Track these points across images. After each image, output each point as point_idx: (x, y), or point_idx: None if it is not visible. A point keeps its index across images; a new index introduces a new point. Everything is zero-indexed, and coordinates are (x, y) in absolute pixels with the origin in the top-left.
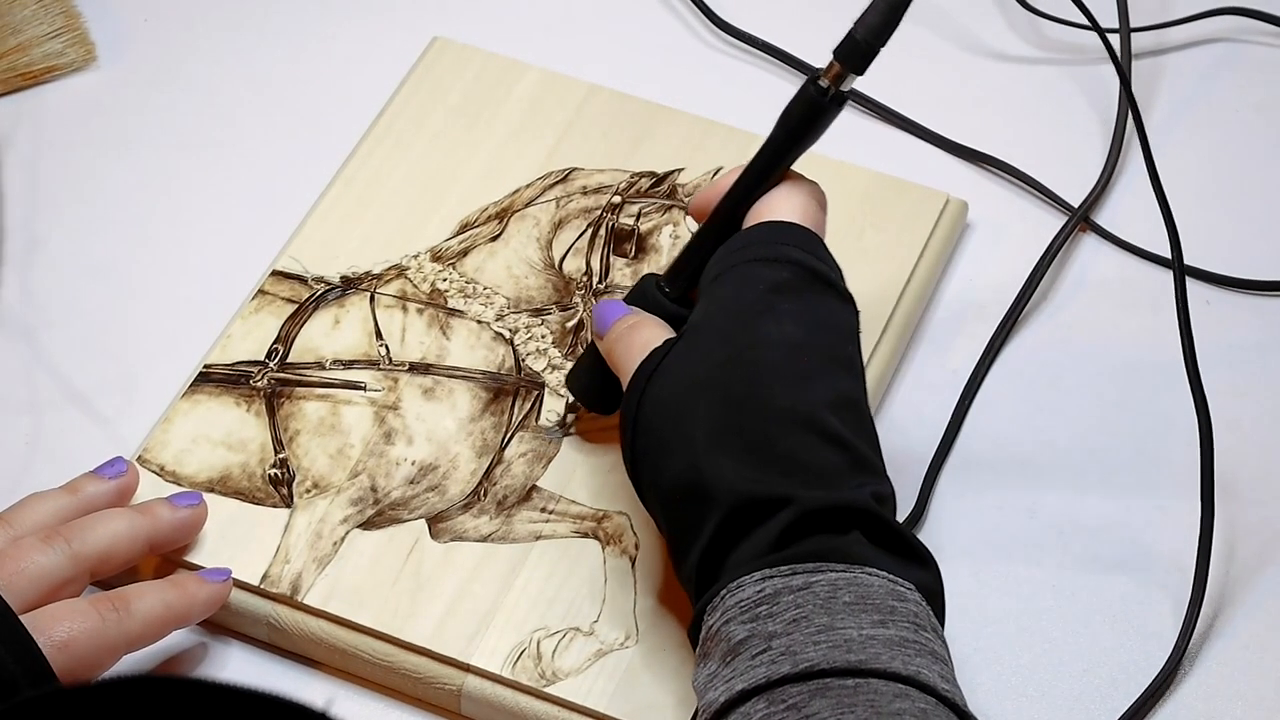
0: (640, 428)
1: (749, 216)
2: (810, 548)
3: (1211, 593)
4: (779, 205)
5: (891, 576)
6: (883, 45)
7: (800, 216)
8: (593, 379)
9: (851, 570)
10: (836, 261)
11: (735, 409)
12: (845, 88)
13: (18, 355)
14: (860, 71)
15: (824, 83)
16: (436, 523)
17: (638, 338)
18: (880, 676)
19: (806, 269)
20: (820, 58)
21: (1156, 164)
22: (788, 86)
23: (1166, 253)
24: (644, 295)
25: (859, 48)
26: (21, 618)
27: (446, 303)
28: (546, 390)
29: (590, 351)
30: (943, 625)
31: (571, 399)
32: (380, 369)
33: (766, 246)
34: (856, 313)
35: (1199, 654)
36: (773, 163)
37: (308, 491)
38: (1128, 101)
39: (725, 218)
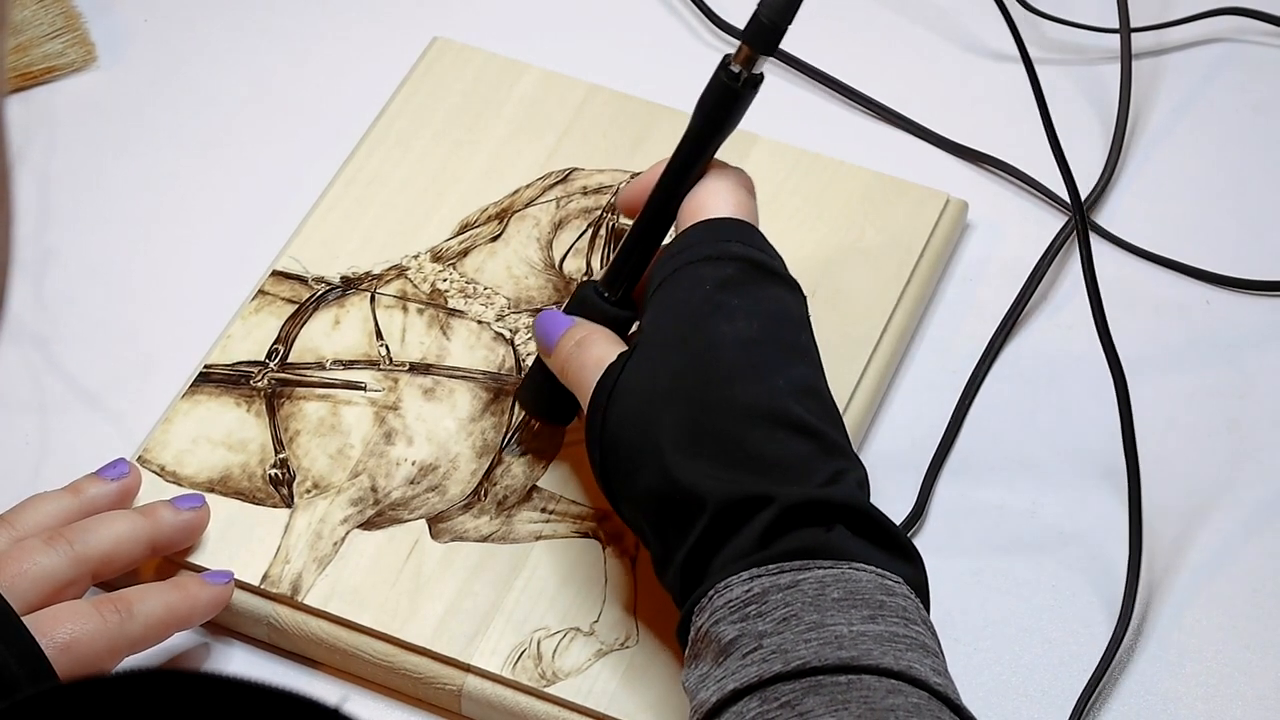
0: (607, 446)
1: (680, 215)
2: (795, 545)
3: (1209, 590)
4: (710, 200)
5: (879, 570)
6: (788, 24)
7: (733, 209)
8: (543, 392)
9: (839, 566)
10: (776, 250)
11: (700, 413)
12: (757, 70)
13: (17, 355)
14: (769, 52)
15: (735, 67)
16: (437, 523)
17: (589, 354)
18: (872, 672)
19: (750, 262)
20: (819, 57)
21: (1156, 165)
22: (788, 86)
23: (1167, 253)
24: (584, 303)
25: (765, 28)
26: (24, 619)
27: (447, 303)
28: None
29: (538, 364)
30: (928, 613)
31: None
32: (380, 369)
33: (707, 245)
34: (804, 299)
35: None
36: (696, 154)
37: (308, 492)
38: (1127, 101)
39: (655, 214)
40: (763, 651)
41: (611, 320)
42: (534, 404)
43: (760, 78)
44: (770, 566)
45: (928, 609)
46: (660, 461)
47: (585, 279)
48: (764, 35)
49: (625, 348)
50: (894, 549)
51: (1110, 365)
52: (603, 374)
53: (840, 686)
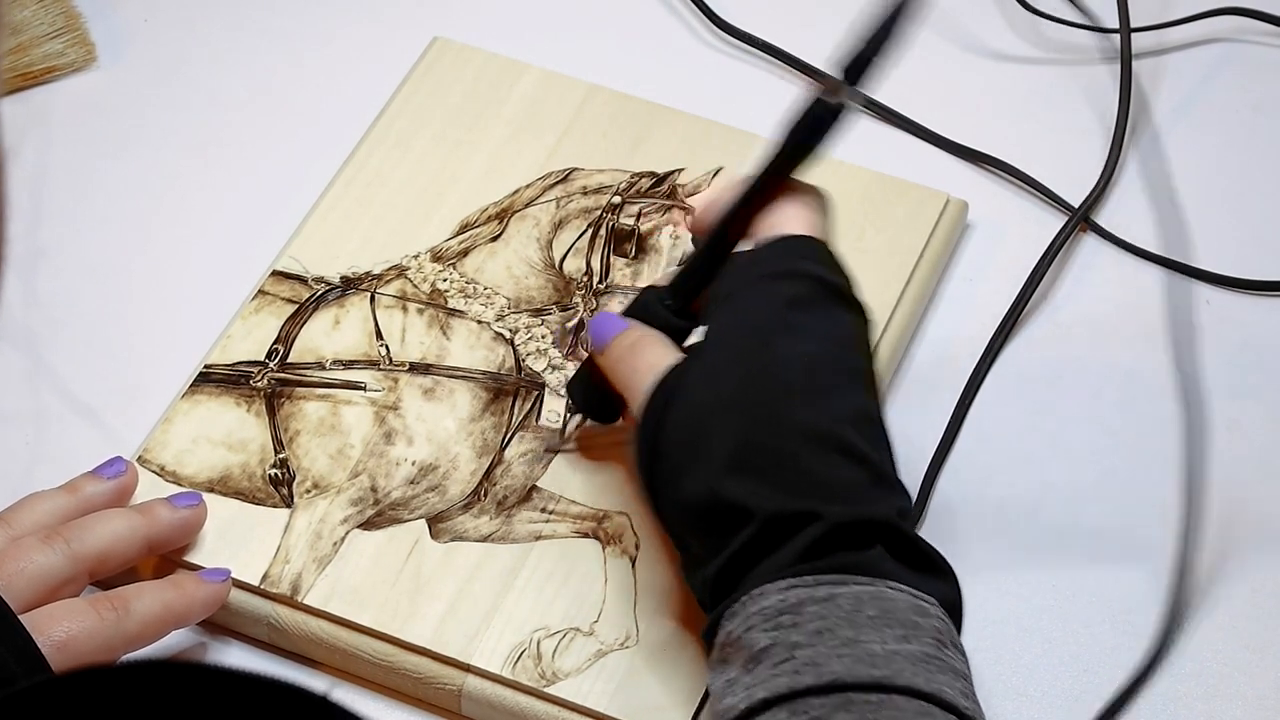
0: (660, 449)
1: (755, 229)
2: (834, 561)
3: (1208, 590)
4: (786, 217)
5: (914, 591)
6: (882, 60)
7: (808, 228)
8: (592, 389)
9: (875, 584)
10: (849, 271)
11: (758, 428)
12: (850, 100)
13: (18, 355)
14: (859, 84)
15: (830, 97)
16: (437, 523)
17: (643, 358)
18: (903, 693)
19: (822, 283)
20: (819, 57)
21: (1157, 164)
22: (788, 87)
23: (1167, 253)
24: (645, 308)
25: (860, 61)
26: (21, 617)
27: (447, 303)
28: (547, 390)
29: (589, 361)
30: (960, 633)
31: (572, 408)
32: (380, 369)
33: (782, 261)
34: (870, 323)
35: (1190, 649)
36: (779, 175)
37: (308, 492)
38: (1127, 101)
39: (728, 231)
40: (795, 663)
41: (672, 329)
42: (583, 400)
43: (853, 107)
44: (807, 578)
45: (960, 628)
46: (711, 471)
47: (650, 284)
48: (857, 67)
49: (679, 354)
50: (931, 569)
51: (1187, 397)
52: (664, 375)
53: (871, 705)
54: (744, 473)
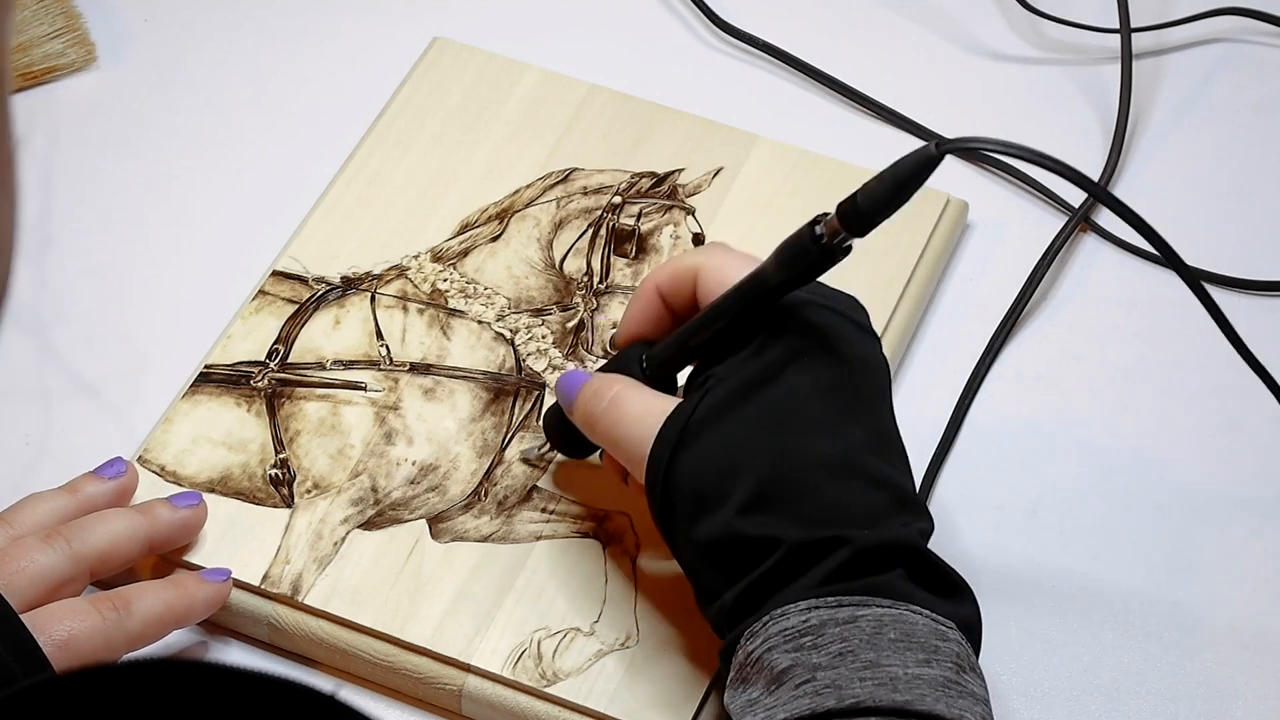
0: (676, 492)
1: (703, 284)
2: (856, 584)
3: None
4: (733, 266)
5: (934, 615)
6: (882, 219)
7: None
8: (561, 425)
9: (897, 607)
10: (842, 292)
11: (777, 463)
12: (843, 243)
13: (18, 355)
14: (859, 235)
15: (820, 231)
16: (437, 523)
17: (631, 407)
18: (925, 719)
19: (828, 309)
20: (819, 57)
21: (1156, 165)
22: (788, 86)
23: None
24: (622, 368)
25: (860, 213)
26: (22, 617)
27: (447, 303)
28: (547, 390)
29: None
30: (978, 654)
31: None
32: (381, 369)
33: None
34: (877, 339)
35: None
36: (767, 298)
37: (308, 492)
38: (1127, 101)
39: (713, 321)
40: (816, 684)
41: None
42: (551, 431)
43: (848, 250)
44: (829, 599)
45: (979, 649)
46: (733, 508)
47: (639, 345)
48: (858, 220)
49: (662, 396)
50: (950, 592)
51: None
52: (670, 416)
53: None
54: (766, 511)
